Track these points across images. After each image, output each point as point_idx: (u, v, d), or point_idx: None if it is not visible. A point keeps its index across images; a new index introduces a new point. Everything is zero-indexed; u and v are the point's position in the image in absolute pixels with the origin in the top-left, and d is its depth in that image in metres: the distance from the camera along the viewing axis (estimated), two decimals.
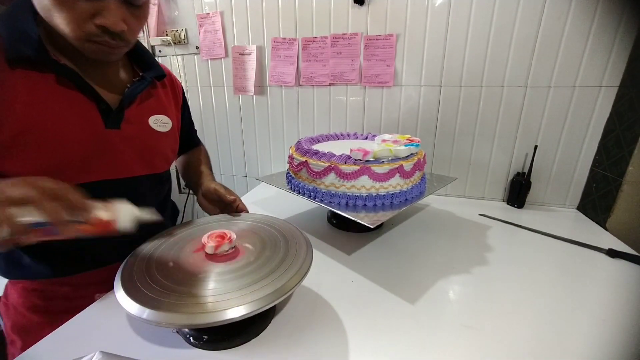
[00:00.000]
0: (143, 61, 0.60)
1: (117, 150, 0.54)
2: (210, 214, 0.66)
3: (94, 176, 0.52)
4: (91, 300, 0.54)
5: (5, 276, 0.57)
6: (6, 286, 0.60)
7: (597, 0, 0.78)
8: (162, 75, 0.62)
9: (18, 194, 0.32)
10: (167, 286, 0.42)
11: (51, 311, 0.57)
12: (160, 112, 0.62)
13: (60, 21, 0.43)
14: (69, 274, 0.57)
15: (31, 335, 0.55)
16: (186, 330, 0.46)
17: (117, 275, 0.44)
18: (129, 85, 0.56)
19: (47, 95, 0.47)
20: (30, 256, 0.54)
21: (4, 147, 0.44)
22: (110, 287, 0.44)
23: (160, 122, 0.61)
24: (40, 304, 0.57)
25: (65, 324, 0.49)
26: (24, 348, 0.50)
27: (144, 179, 0.59)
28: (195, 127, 0.83)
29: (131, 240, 0.49)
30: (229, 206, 0.64)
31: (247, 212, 0.65)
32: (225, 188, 0.67)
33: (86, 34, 0.44)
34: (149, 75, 0.58)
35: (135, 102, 0.57)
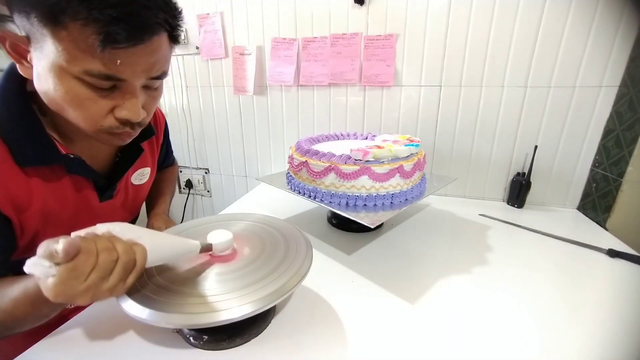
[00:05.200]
0: None
1: (107, 215, 0.56)
2: None
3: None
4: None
5: None
6: None
7: (597, 0, 0.78)
8: (151, 134, 0.58)
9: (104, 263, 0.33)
10: (167, 286, 0.42)
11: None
12: (141, 166, 0.61)
13: (74, 117, 0.40)
14: None
15: None
16: (186, 330, 0.46)
17: None
18: (119, 154, 0.55)
19: (56, 185, 0.47)
20: None
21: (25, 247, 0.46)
22: None
23: (141, 175, 0.62)
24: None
25: (64, 324, 0.49)
26: None
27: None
28: (195, 128, 0.82)
29: None
30: None
31: None
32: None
33: (106, 128, 0.41)
34: (138, 142, 0.55)
35: (125, 173, 0.57)
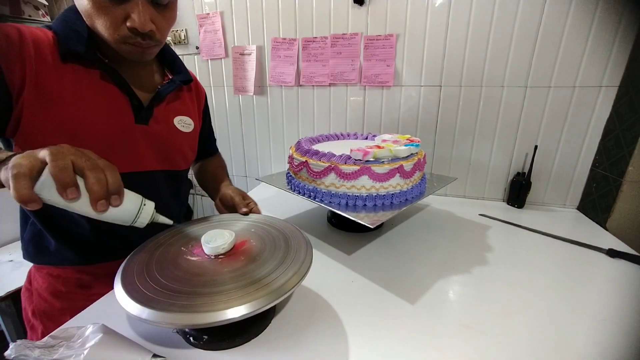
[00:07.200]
0: (174, 66, 0.66)
1: (140, 145, 0.57)
2: None
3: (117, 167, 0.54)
4: (110, 289, 0.53)
5: (32, 261, 0.60)
6: (30, 272, 0.63)
7: (597, 0, 0.78)
8: (189, 80, 0.66)
9: (77, 160, 0.36)
10: (167, 286, 0.42)
11: (72, 298, 0.60)
12: (184, 114, 0.66)
13: (99, 26, 0.48)
14: (91, 262, 0.60)
15: (53, 320, 0.58)
16: (186, 330, 0.46)
17: (117, 275, 0.44)
18: (159, 87, 0.61)
19: (89, 89, 0.52)
20: (57, 241, 0.57)
21: (49, 132, 0.48)
22: None
23: (184, 123, 0.66)
24: (62, 290, 0.60)
25: (64, 324, 0.48)
26: (44, 333, 0.53)
27: (161, 174, 0.63)
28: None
29: (148, 235, 0.53)
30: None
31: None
32: (243, 195, 0.67)
33: (121, 36, 0.49)
34: (177, 79, 0.63)
35: (164, 101, 0.61)
